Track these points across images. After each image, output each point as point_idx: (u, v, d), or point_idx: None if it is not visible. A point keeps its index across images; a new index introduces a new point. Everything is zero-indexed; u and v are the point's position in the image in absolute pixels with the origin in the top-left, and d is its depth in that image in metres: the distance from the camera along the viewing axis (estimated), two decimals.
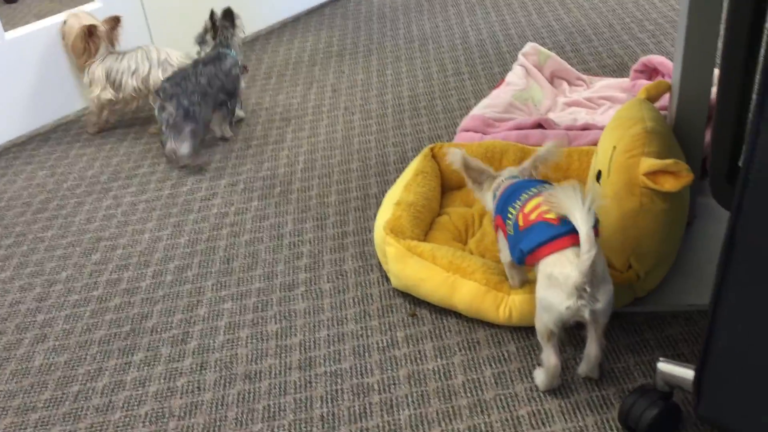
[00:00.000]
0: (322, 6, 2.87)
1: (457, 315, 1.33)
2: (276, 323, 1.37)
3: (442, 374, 1.23)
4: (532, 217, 1.13)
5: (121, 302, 1.47)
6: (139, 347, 1.35)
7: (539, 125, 1.71)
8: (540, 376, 1.17)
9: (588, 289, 1.04)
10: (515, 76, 1.94)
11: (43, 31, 2.10)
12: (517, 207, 1.17)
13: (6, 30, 2.05)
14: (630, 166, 1.23)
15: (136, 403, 1.24)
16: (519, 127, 1.71)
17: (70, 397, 1.26)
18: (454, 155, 1.31)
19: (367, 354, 1.28)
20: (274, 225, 1.65)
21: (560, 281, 1.06)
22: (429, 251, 1.31)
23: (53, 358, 1.35)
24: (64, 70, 2.16)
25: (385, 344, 1.30)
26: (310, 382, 1.24)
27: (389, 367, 1.25)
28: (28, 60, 2.08)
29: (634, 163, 1.23)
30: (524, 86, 1.90)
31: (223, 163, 1.91)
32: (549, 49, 2.29)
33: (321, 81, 2.30)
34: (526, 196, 1.17)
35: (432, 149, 1.62)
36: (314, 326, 1.35)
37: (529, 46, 2.01)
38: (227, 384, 1.25)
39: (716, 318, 0.72)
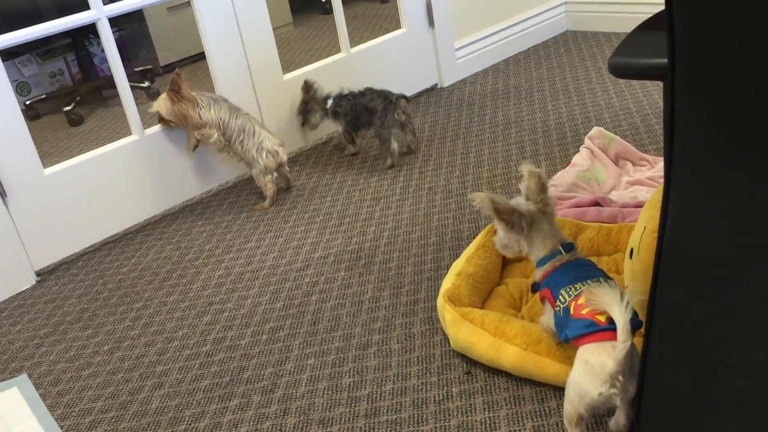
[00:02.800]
0: (418, 95, 3.16)
1: (507, 374, 1.49)
2: (349, 377, 1.58)
3: (487, 425, 1.38)
4: (584, 312, 1.22)
5: (224, 357, 1.73)
6: (235, 395, 1.60)
7: (596, 203, 1.86)
8: None
9: (621, 379, 1.12)
10: (580, 157, 2.10)
11: (170, 129, 2.50)
12: (572, 294, 1.27)
13: (145, 128, 2.46)
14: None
15: None
16: (578, 205, 1.87)
17: None
18: (481, 200, 1.30)
19: (424, 406, 1.46)
20: (357, 293, 1.87)
21: (596, 368, 1.15)
22: (479, 317, 1.49)
23: (167, 401, 1.62)
24: (187, 160, 2.54)
25: (441, 398, 1.47)
26: (373, 428, 1.43)
27: (442, 418, 1.42)
28: (159, 153, 2.47)
29: None
30: (588, 167, 2.06)
31: (318, 238, 2.18)
32: (624, 129, 2.44)
33: (410, 164, 2.55)
34: (581, 286, 1.26)
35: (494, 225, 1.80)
36: (381, 380, 1.55)
37: (595, 130, 2.18)
38: (304, 428, 1.47)
39: (648, 355, 0.85)
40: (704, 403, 0.82)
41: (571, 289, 1.28)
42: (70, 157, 2.35)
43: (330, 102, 2.61)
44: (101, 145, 2.41)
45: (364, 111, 2.55)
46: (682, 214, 0.74)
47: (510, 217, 1.34)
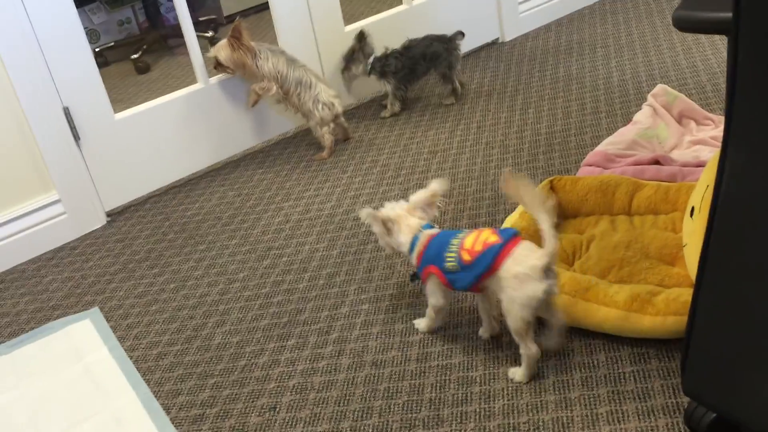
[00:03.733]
0: (479, 49, 3.14)
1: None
2: (402, 323, 1.63)
3: (537, 375, 1.42)
4: (477, 248, 1.37)
5: (282, 299, 1.80)
6: (292, 335, 1.67)
7: (656, 161, 1.84)
8: (519, 372, 1.40)
9: (553, 268, 1.31)
10: (642, 115, 2.08)
11: (236, 78, 2.55)
12: (455, 250, 1.40)
13: (210, 77, 2.52)
14: None
15: (286, 377, 1.55)
16: (637, 163, 1.86)
17: (239, 369, 1.60)
18: (367, 216, 1.52)
19: (474, 353, 1.50)
20: None
21: (528, 273, 1.29)
22: None
23: (228, 338, 1.70)
24: (252, 110, 2.59)
25: (491, 346, 1.51)
26: (424, 372, 1.48)
27: (492, 365, 1.46)
28: (222, 101, 2.53)
29: None
30: (650, 125, 2.04)
31: (375, 189, 2.22)
32: (690, 89, 2.39)
33: (468, 118, 2.55)
34: (457, 240, 1.41)
35: (551, 181, 1.81)
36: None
37: (659, 87, 2.14)
38: (357, 368, 1.53)
39: (697, 306, 0.87)
40: (747, 365, 0.84)
41: (451, 246, 1.41)
42: (138, 104, 2.43)
43: (370, 61, 2.62)
44: (167, 93, 2.48)
45: (421, 60, 2.58)
46: (739, 167, 0.75)
47: (386, 225, 1.53)
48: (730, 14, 0.76)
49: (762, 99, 0.73)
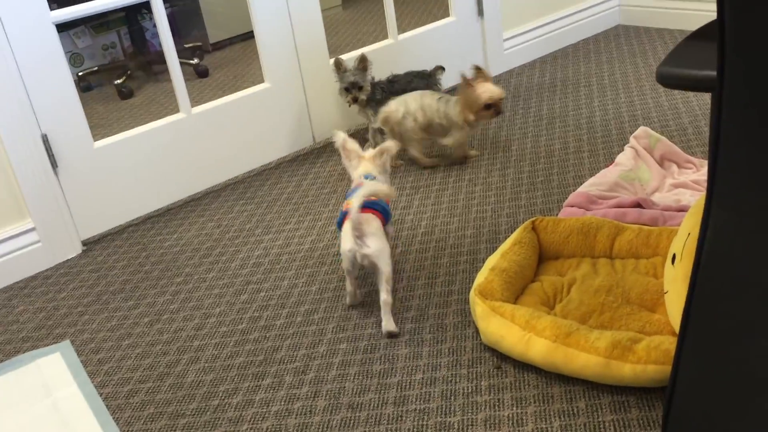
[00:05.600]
0: None
1: (537, 370, 1.50)
2: (380, 364, 1.61)
3: (515, 421, 1.39)
4: (343, 207, 1.79)
5: (259, 336, 1.77)
6: (268, 374, 1.64)
7: (638, 204, 1.84)
8: (347, 297, 1.81)
9: (357, 234, 1.67)
10: (624, 157, 2.08)
11: (219, 108, 2.54)
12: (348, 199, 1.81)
13: (192, 107, 2.50)
14: None
15: (260, 419, 1.51)
16: (619, 206, 1.86)
17: (211, 409, 1.56)
18: (337, 136, 1.95)
19: (452, 397, 1.48)
20: None
21: (344, 235, 1.70)
22: (510, 311, 1.50)
23: (202, 376, 1.66)
24: (232, 139, 2.57)
25: (469, 390, 1.49)
26: (401, 416, 1.45)
27: (470, 411, 1.44)
28: (205, 131, 2.51)
29: None
30: (632, 167, 2.04)
31: None
32: (671, 130, 2.41)
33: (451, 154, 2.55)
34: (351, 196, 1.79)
35: (533, 222, 1.80)
36: (412, 369, 1.57)
37: (641, 130, 2.15)
38: (333, 411, 1.50)
39: (680, 361, 0.86)
40: (731, 421, 0.82)
41: (351, 197, 1.76)
42: (119, 130, 2.41)
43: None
44: (150, 120, 2.46)
45: (403, 94, 2.56)
46: (722, 225, 0.74)
47: (350, 156, 1.95)
48: (714, 72, 0.75)
49: (745, 158, 0.72)
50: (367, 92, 2.53)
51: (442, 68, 2.66)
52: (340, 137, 1.94)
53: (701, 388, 0.91)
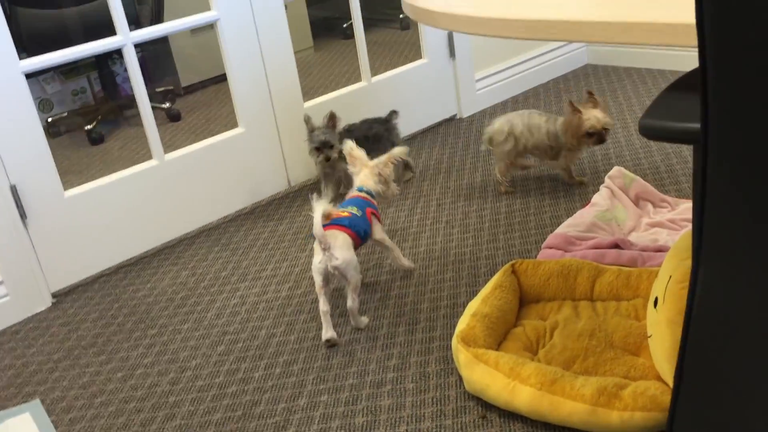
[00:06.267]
0: (437, 125, 3.16)
1: (523, 420, 1.47)
2: (363, 416, 1.57)
3: None
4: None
5: (237, 389, 1.72)
6: (247, 430, 1.59)
7: (616, 245, 1.84)
8: (323, 331, 1.82)
9: (322, 248, 1.78)
10: (600, 197, 2.09)
11: (192, 154, 2.51)
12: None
13: (165, 152, 2.47)
14: (683, 296, 1.34)
15: None
16: (597, 246, 1.86)
17: None
18: (346, 145, 2.06)
19: None
20: (371, 328, 1.86)
21: (315, 250, 1.83)
22: (494, 359, 1.48)
23: None
24: (205, 185, 2.55)
25: None
26: None
27: None
28: (178, 177, 2.48)
29: (687, 294, 1.34)
30: (608, 207, 2.05)
31: None
32: (645, 168, 2.43)
33: (428, 195, 2.54)
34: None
35: (513, 265, 1.79)
36: (395, 421, 1.54)
37: (615, 170, 2.17)
38: None
39: (675, 418, 0.84)
40: None
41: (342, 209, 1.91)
42: (91, 177, 2.37)
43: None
44: (121, 165, 2.43)
45: (364, 142, 2.40)
46: (712, 280, 0.73)
47: (355, 162, 2.06)
48: (697, 125, 0.75)
49: (734, 212, 0.72)
50: (338, 150, 2.43)
51: (396, 112, 2.64)
52: (348, 144, 2.06)
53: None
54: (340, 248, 1.80)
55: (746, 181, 0.72)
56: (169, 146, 2.52)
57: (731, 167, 0.73)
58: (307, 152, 2.53)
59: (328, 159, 2.45)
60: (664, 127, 0.81)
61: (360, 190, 2.00)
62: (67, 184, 2.32)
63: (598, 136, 2.25)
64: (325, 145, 2.44)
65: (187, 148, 2.53)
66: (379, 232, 1.99)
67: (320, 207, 1.77)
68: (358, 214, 1.90)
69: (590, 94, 2.29)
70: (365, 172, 2.03)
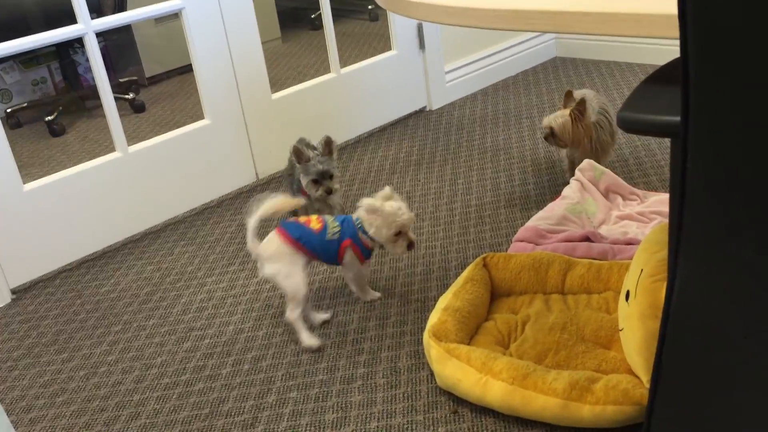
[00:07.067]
0: (406, 117, 3.14)
1: (495, 414, 1.46)
2: (333, 413, 1.54)
3: None
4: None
5: (204, 387, 1.68)
6: (214, 428, 1.55)
7: (587, 238, 1.84)
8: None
9: (256, 259, 1.78)
10: (570, 190, 2.09)
11: (157, 146, 2.45)
12: None
13: (129, 145, 2.40)
14: (654, 289, 1.34)
15: None
16: (568, 240, 1.85)
17: None
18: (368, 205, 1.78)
19: None
20: (341, 323, 1.84)
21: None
22: (465, 353, 1.46)
23: None
24: (171, 178, 2.49)
25: None
26: None
27: None
28: (142, 170, 2.42)
29: (659, 287, 1.34)
30: (578, 200, 2.05)
31: None
32: (614, 161, 2.44)
33: (398, 188, 2.52)
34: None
35: (484, 258, 1.78)
36: (366, 417, 1.51)
37: (586, 162, 2.17)
38: None
39: (652, 417, 0.83)
40: None
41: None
42: (51, 169, 2.30)
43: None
44: (83, 158, 2.37)
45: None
46: (690, 277, 0.72)
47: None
48: (677, 118, 0.73)
49: (713, 206, 0.71)
50: (339, 179, 2.15)
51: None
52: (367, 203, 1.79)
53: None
54: (269, 259, 1.74)
55: (727, 175, 0.70)
56: (132, 138, 2.45)
57: (712, 161, 0.72)
58: (275, 144, 2.47)
59: (329, 192, 2.10)
60: (643, 120, 0.80)
61: (357, 220, 1.79)
62: (27, 177, 2.25)
63: (549, 135, 2.20)
64: (324, 175, 2.08)
65: (152, 140, 2.47)
66: (349, 268, 1.84)
67: (262, 208, 1.70)
68: (332, 231, 1.78)
69: (567, 94, 2.22)
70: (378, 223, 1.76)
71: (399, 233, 1.75)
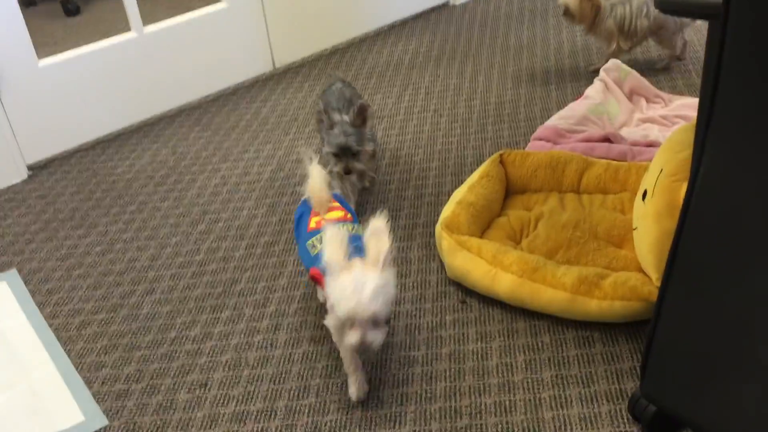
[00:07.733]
0: (429, 11, 3.05)
1: (502, 305, 1.48)
2: None
3: (479, 355, 1.38)
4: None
5: (217, 267, 1.71)
6: (227, 306, 1.59)
7: (607, 139, 1.81)
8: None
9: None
10: (594, 90, 2.04)
11: (172, 28, 2.40)
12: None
13: (145, 25, 2.35)
14: (673, 189, 1.33)
15: (219, 352, 1.47)
16: (587, 140, 1.82)
17: (168, 341, 1.51)
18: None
19: (416, 332, 1.46)
20: (355, 212, 1.84)
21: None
22: (476, 246, 1.47)
23: (157, 308, 1.61)
24: (187, 62, 2.45)
25: (434, 325, 1.47)
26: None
27: (434, 345, 1.42)
28: (158, 52, 2.38)
29: (677, 187, 1.32)
30: (601, 100, 2.01)
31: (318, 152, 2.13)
32: (641, 63, 2.37)
33: (417, 83, 2.47)
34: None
35: (501, 155, 1.76)
36: None
37: (612, 62, 2.11)
38: (295, 344, 1.46)
39: (662, 307, 0.84)
40: (718, 365, 0.80)
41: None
42: (66, 49, 2.26)
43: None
44: (98, 38, 2.32)
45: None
46: (716, 165, 0.70)
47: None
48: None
49: (748, 96, 0.68)
50: (368, 155, 1.78)
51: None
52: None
53: (683, 337, 0.88)
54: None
55: (763, 64, 0.67)
56: (148, 20, 2.39)
57: (749, 47, 0.69)
58: (293, 32, 2.41)
59: (348, 172, 1.74)
60: (682, 1, 0.76)
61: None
62: (41, 55, 2.22)
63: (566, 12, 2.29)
64: (346, 152, 1.72)
65: (167, 22, 2.42)
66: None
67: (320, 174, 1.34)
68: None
69: None
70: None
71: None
